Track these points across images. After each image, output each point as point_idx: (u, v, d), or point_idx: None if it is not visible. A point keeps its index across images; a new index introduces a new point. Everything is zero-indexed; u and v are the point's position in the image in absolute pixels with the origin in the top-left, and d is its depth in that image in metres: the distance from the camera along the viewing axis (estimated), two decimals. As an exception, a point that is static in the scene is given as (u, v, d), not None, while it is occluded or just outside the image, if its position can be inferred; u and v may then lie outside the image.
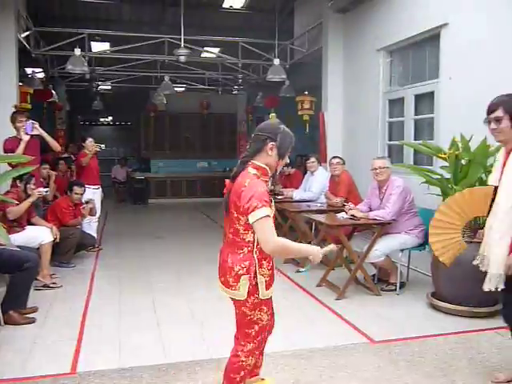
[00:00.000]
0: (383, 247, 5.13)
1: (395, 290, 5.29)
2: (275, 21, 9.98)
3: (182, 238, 8.68)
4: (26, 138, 5.46)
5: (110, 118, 20.05)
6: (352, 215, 5.30)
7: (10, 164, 5.28)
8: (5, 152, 5.38)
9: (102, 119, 19.87)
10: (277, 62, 9.15)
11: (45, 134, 5.87)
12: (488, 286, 3.11)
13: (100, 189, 7.84)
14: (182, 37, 8.58)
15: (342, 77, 8.30)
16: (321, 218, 5.57)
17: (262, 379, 3.12)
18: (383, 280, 5.52)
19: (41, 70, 10.85)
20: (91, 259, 6.93)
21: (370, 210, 5.40)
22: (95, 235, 7.56)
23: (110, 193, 14.39)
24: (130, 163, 16.21)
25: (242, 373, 2.75)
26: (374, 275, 5.60)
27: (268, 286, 2.67)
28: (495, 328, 4.28)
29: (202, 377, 3.42)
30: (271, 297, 2.77)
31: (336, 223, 5.24)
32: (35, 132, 5.59)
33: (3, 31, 6.97)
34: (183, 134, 15.09)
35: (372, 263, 5.38)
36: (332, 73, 8.31)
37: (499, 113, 2.96)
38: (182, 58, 8.54)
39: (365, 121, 7.64)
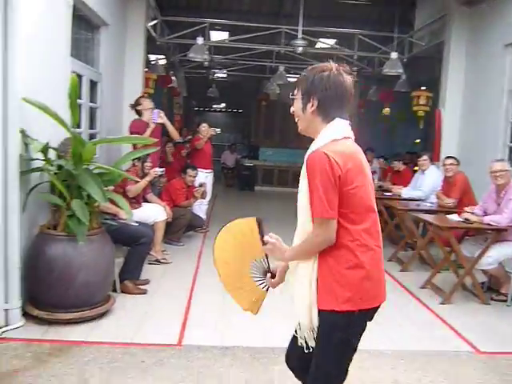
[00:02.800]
0: (497, 254, 4.86)
1: (506, 300, 5.01)
2: (395, 13, 9.67)
3: (287, 226, 8.75)
4: (152, 125, 5.80)
5: (223, 105, 20.65)
6: (465, 218, 5.08)
7: (133, 145, 5.65)
8: (130, 133, 5.76)
9: (215, 106, 20.52)
10: (394, 55, 8.89)
11: (168, 123, 6.20)
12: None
13: (212, 173, 8.14)
14: (300, 28, 8.61)
15: (463, 73, 7.88)
16: (431, 218, 5.40)
17: None
18: (493, 289, 5.25)
19: (163, 57, 11.42)
20: (199, 239, 7.26)
21: (485, 214, 5.14)
22: (204, 217, 7.89)
23: (219, 177, 14.88)
24: (239, 150, 16.63)
25: None
26: (483, 283, 5.33)
27: None
28: None
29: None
30: None
31: (447, 225, 5.04)
32: (160, 120, 5.91)
33: (135, 20, 7.42)
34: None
35: (483, 270, 5.13)
36: (453, 68, 7.92)
37: (294, 92, 2.24)
38: (299, 49, 8.58)
39: (485, 120, 7.22)
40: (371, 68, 11.68)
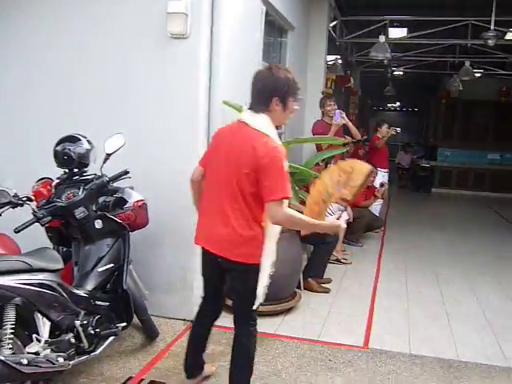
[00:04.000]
0: None
1: None
2: None
3: (467, 233, 8.22)
4: (336, 123, 5.73)
5: (398, 104, 20.05)
6: None
7: (317, 146, 5.72)
8: (314, 134, 5.83)
9: (390, 105, 20.03)
10: None
11: (350, 124, 6.15)
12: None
13: (388, 173, 7.96)
14: (493, 18, 7.94)
15: None
16: None
17: None
18: None
19: (339, 56, 11.41)
20: (377, 241, 7.14)
21: None
22: (379, 216, 7.73)
23: (394, 178, 14.47)
24: (415, 150, 15.98)
25: None
26: None
27: None
28: None
29: (494, 383, 3.24)
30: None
31: None
32: (342, 121, 5.79)
33: (317, 21, 7.51)
34: (476, 122, 14.10)
35: None
36: None
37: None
38: (490, 42, 7.93)
39: None
40: None
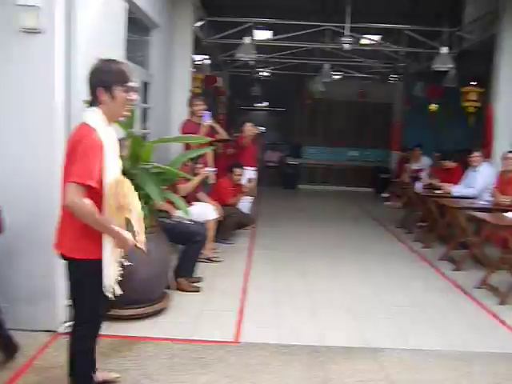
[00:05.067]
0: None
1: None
2: (443, 7, 9.45)
3: (333, 226, 8.76)
4: (206, 123, 5.81)
5: (266, 104, 20.66)
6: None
7: (186, 145, 5.73)
8: (183, 134, 5.83)
9: (257, 104, 20.55)
10: (444, 50, 8.70)
11: (216, 125, 6.25)
12: None
13: (256, 171, 8.21)
14: (348, 24, 8.54)
15: None
16: (486, 216, 5.28)
17: None
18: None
19: (207, 57, 11.53)
20: (248, 238, 7.30)
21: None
22: (249, 213, 7.93)
23: (262, 175, 14.91)
24: (282, 148, 16.62)
25: None
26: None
27: None
28: None
29: (357, 364, 3.48)
30: None
31: (504, 223, 4.93)
32: (209, 122, 5.91)
33: (182, 21, 7.52)
34: (337, 121, 15.06)
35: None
36: (505, 63, 7.70)
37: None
38: (347, 46, 8.52)
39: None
40: (418, 63, 11.48)
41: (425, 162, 10.47)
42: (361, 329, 4.12)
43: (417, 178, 9.41)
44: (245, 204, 7.57)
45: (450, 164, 8.00)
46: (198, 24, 8.53)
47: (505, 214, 5.19)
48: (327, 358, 3.55)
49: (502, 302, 4.79)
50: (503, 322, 4.36)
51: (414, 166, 10.59)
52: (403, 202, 10.20)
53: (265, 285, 5.19)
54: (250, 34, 8.96)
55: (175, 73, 7.43)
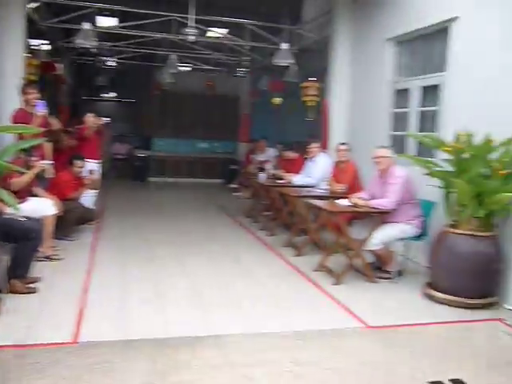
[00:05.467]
0: (382, 236, 5.21)
1: (392, 278, 5.39)
2: (285, 5, 9.89)
3: (182, 217, 8.77)
4: (40, 113, 5.44)
5: (114, 94, 19.97)
6: (353, 203, 5.38)
7: (20, 136, 5.30)
8: (14, 123, 5.38)
9: (105, 95, 19.79)
10: (284, 46, 9.11)
11: (50, 116, 5.87)
12: None
13: (100, 164, 7.92)
14: (191, 16, 8.53)
15: (348, 64, 8.29)
16: (321, 204, 5.64)
17: None
18: (381, 268, 5.60)
19: (47, 42, 10.80)
20: (91, 233, 7.00)
21: (372, 198, 5.47)
22: (93, 208, 7.63)
23: (110, 168, 14.43)
24: (131, 140, 16.22)
25: None
26: (372, 263, 5.68)
27: None
28: (488, 319, 4.42)
29: (201, 352, 3.51)
30: None
31: (336, 209, 5.31)
32: (43, 112, 5.56)
33: (12, 1, 6.93)
34: (186, 113, 15.06)
35: (370, 251, 5.46)
36: (339, 60, 8.30)
37: None
38: (191, 38, 8.52)
39: (370, 110, 7.66)
40: (263, 58, 11.89)
41: (270, 153, 10.92)
42: (206, 317, 4.16)
43: (263, 169, 9.78)
44: (88, 198, 7.25)
45: (291, 154, 8.42)
46: (32, 5, 7.92)
47: (338, 201, 5.59)
48: (173, 350, 3.53)
49: (337, 283, 5.17)
50: (337, 301, 4.70)
51: (260, 157, 11.00)
52: (250, 193, 10.54)
53: (109, 280, 5.02)
54: (93, 20, 8.54)
55: (5, 57, 6.82)
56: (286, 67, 10.25)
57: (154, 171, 14.52)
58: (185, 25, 8.90)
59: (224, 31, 11.37)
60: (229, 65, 13.98)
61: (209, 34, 11.09)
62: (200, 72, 14.66)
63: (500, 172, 4.53)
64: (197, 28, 8.95)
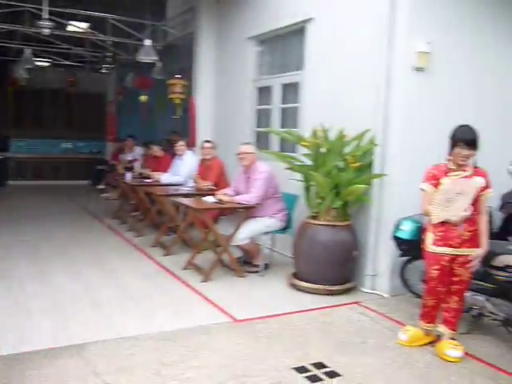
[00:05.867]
0: (248, 230, 5.31)
1: (259, 271, 5.51)
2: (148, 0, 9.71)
3: (45, 223, 8.22)
4: None
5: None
6: (219, 199, 5.42)
7: None
8: None
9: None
10: (148, 42, 8.91)
11: None
12: None
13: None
14: (46, 7, 8.02)
15: (213, 62, 8.35)
16: (188, 201, 5.62)
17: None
18: (248, 262, 5.71)
19: None
20: None
21: (237, 194, 5.55)
22: None
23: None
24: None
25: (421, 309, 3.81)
26: (240, 258, 5.77)
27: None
28: (347, 304, 4.68)
29: (61, 363, 3.31)
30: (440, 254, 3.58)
31: (202, 207, 5.31)
32: None
33: None
34: (47, 112, 14.19)
35: (237, 246, 5.54)
36: (203, 58, 8.32)
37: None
38: (45, 31, 8.01)
39: (234, 107, 7.78)
40: (127, 54, 11.55)
41: (138, 152, 10.63)
42: (67, 327, 3.93)
43: (131, 169, 9.50)
44: None
45: (157, 151, 8.29)
46: None
47: (204, 198, 5.60)
48: (27, 365, 3.28)
49: (206, 280, 5.18)
50: (205, 298, 4.71)
51: (128, 157, 10.68)
52: (118, 193, 10.20)
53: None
54: None
55: None
56: (152, 64, 10.06)
57: (14, 174, 13.50)
58: (39, 16, 8.35)
59: (84, 25, 10.87)
60: (92, 61, 13.40)
61: (69, 27, 10.53)
62: (62, 68, 13.88)
63: (353, 165, 4.83)
64: (53, 21, 8.43)
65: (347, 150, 5.02)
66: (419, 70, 4.83)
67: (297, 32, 6.48)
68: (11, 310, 4.25)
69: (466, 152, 3.45)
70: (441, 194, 3.53)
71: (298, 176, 5.30)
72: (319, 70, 5.95)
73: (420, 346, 3.79)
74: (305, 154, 5.33)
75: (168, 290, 4.93)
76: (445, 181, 3.55)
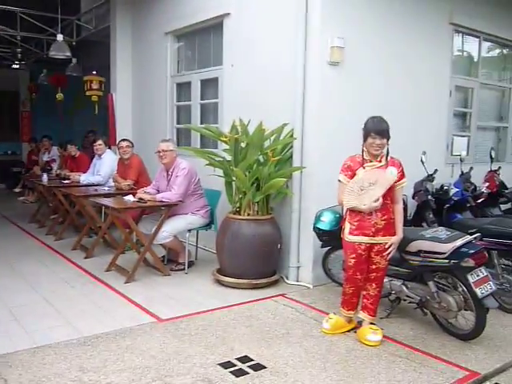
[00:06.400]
0: (170, 228, 5.25)
1: (184, 269, 5.46)
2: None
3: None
4: None
5: None
6: (140, 198, 5.31)
7: None
8: None
9: None
10: (60, 37, 8.58)
11: None
12: None
13: None
14: None
15: (130, 58, 8.15)
16: (108, 201, 5.47)
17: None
18: (173, 260, 5.65)
19: None
20: None
21: (159, 192, 5.46)
22: None
23: None
24: None
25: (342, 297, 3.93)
26: (163, 256, 5.70)
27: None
28: (272, 296, 4.74)
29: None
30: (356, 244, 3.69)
31: (123, 206, 5.19)
32: None
33: None
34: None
35: (161, 244, 5.47)
36: (120, 53, 8.11)
37: None
38: None
39: (154, 104, 7.65)
40: (40, 50, 11.06)
41: (55, 152, 10.23)
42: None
43: (49, 170, 9.13)
44: None
45: (73, 151, 8.04)
46: None
47: (124, 197, 5.47)
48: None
49: (129, 280, 5.06)
50: (129, 299, 4.60)
51: (45, 158, 10.26)
52: (36, 196, 9.78)
53: None
54: None
55: None
56: (67, 60, 9.69)
57: None
58: None
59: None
60: (2, 57, 12.70)
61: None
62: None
63: (273, 159, 4.88)
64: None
65: (267, 144, 5.07)
66: (334, 64, 4.95)
67: (215, 27, 6.45)
68: None
69: (378, 142, 3.57)
70: (353, 183, 3.64)
71: (220, 172, 5.29)
72: (237, 65, 5.97)
73: (343, 333, 3.91)
74: (225, 150, 5.33)
75: (90, 293, 4.77)
76: (360, 171, 3.66)
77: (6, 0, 9.28)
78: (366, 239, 3.67)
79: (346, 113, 5.08)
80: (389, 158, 3.69)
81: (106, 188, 6.52)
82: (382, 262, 3.75)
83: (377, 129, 3.59)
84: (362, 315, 3.89)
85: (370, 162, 3.67)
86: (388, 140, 3.62)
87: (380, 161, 3.67)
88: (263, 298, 4.69)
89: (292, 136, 5.00)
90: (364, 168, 3.66)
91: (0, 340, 3.69)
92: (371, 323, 3.85)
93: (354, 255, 3.70)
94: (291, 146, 5.08)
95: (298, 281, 5.15)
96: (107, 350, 3.54)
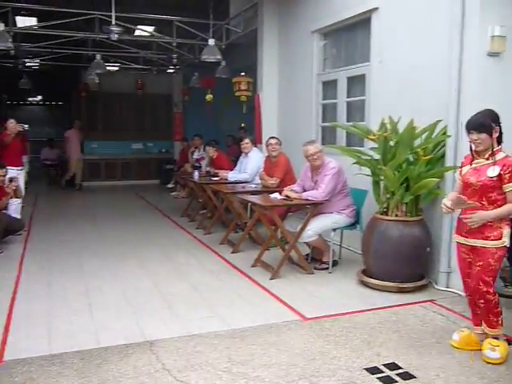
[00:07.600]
0: (316, 227, 5.24)
1: (328, 268, 5.43)
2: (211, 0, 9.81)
3: (116, 221, 8.52)
4: None
5: (40, 98, 19.19)
6: (286, 196, 5.38)
7: None
8: None
9: (30, 98, 18.98)
10: (212, 42, 9.02)
11: None
12: None
13: (23, 170, 7.62)
14: (113, 13, 8.28)
15: (276, 58, 8.31)
16: (255, 199, 5.61)
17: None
18: (316, 259, 5.65)
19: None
20: (19, 244, 6.67)
21: (304, 190, 5.49)
22: (19, 217, 7.28)
23: (39, 176, 13.88)
24: (61, 145, 15.61)
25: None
26: (307, 254, 5.72)
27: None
28: (420, 302, 4.51)
29: (134, 359, 3.39)
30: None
31: (270, 204, 5.29)
32: None
33: None
34: (117, 114, 14.66)
35: (305, 243, 5.48)
36: (267, 54, 8.31)
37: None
38: (114, 36, 8.26)
39: (299, 102, 7.71)
40: (192, 55, 11.73)
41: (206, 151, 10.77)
42: (138, 324, 4.03)
43: (198, 167, 9.66)
44: (12, 207, 6.90)
45: (211, 152, 8.43)
46: None
47: (271, 195, 5.58)
48: (103, 360, 3.39)
49: (274, 277, 5.15)
50: (274, 295, 4.68)
51: (195, 155, 10.86)
52: (187, 192, 10.40)
53: (37, 292, 4.78)
54: (8, 21, 8.10)
55: None
56: (216, 63, 10.16)
57: (88, 175, 14.05)
58: (108, 23, 8.63)
59: (150, 29, 11.14)
60: (158, 63, 13.71)
61: (137, 32, 10.83)
62: (129, 71, 14.31)
63: (423, 158, 4.64)
64: (120, 26, 8.69)
65: (417, 142, 4.84)
66: (493, 55, 4.57)
67: (361, 23, 6.32)
68: (84, 308, 4.41)
69: (474, 137, 3.30)
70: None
71: (367, 171, 5.17)
72: (386, 61, 5.78)
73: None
74: (372, 148, 5.19)
75: (237, 288, 4.94)
76: (465, 169, 3.44)
77: (163, 10, 9.99)
78: None
79: (506, 108, 4.66)
80: (501, 155, 3.32)
81: (253, 185, 6.71)
82: None
83: (471, 123, 3.33)
84: (483, 326, 3.54)
85: (476, 159, 3.37)
86: (490, 135, 3.25)
87: (488, 158, 3.32)
88: (411, 303, 4.48)
89: (445, 134, 4.71)
90: (471, 165, 3.39)
91: (158, 326, 3.98)
92: (494, 337, 3.48)
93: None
94: (444, 145, 4.79)
95: (448, 287, 4.84)
96: (254, 344, 3.63)
